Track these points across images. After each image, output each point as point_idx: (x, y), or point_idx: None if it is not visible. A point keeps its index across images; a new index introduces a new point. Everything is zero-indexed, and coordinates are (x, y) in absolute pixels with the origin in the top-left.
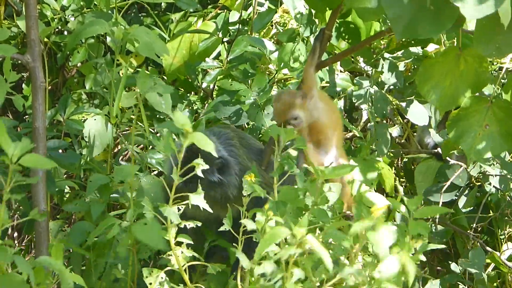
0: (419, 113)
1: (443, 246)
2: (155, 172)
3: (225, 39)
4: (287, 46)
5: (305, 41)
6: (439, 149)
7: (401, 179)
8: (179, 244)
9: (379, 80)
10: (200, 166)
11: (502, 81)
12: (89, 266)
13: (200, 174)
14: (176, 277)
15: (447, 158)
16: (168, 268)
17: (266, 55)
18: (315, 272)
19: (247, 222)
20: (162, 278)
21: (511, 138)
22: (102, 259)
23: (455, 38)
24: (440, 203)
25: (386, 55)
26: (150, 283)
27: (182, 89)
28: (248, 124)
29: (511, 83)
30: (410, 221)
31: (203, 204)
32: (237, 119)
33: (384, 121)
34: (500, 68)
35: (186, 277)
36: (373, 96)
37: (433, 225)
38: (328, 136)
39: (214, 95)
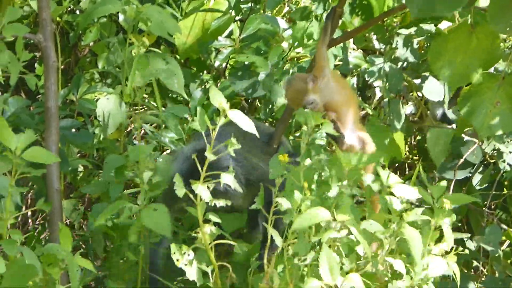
0: (434, 89)
1: (467, 234)
2: (168, 151)
3: (237, 18)
4: (300, 24)
5: (318, 18)
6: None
7: (415, 157)
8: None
9: (393, 57)
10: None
11: None
12: (113, 247)
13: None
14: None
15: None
16: (195, 245)
17: (279, 33)
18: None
19: (283, 201)
20: (189, 255)
21: None
22: (125, 241)
23: (469, 16)
24: (454, 181)
25: (400, 31)
26: (177, 260)
27: (195, 68)
28: (264, 96)
29: None
30: (436, 210)
31: (233, 184)
32: (253, 92)
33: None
34: None
35: (211, 255)
36: (387, 73)
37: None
38: (343, 113)
39: (226, 74)
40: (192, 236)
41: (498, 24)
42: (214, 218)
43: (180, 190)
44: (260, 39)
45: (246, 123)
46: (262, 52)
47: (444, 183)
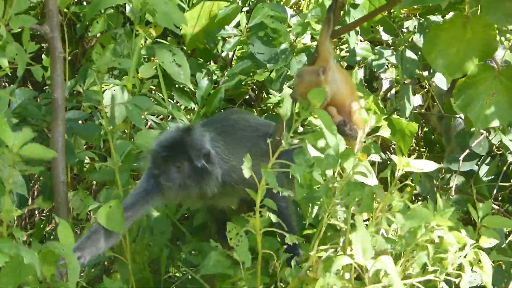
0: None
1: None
2: None
3: (244, 8)
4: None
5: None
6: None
7: (422, 149)
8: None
9: (402, 48)
10: None
11: None
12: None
13: None
14: None
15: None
16: (246, 228)
17: (287, 20)
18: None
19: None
20: (242, 235)
21: None
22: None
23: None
24: (458, 170)
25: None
26: (230, 238)
27: (201, 59)
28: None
29: None
30: (482, 230)
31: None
32: (275, 62)
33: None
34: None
35: (259, 240)
36: (402, 58)
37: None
38: (346, 105)
39: (233, 64)
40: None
41: (493, 15)
42: (270, 204)
43: (247, 171)
44: (267, 28)
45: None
46: (270, 38)
47: (488, 203)
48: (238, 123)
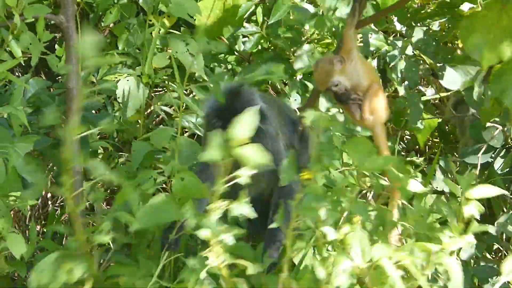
0: (452, 78)
1: (492, 227)
2: (187, 134)
3: None
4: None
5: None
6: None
7: (435, 139)
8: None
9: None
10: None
11: None
12: (138, 234)
13: None
14: None
15: None
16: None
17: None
18: None
19: (328, 231)
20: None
21: None
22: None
23: None
24: (479, 165)
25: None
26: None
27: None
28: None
29: None
30: (463, 201)
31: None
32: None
33: (417, 88)
34: None
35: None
36: (402, 68)
37: None
38: (368, 97)
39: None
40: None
41: None
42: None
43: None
44: (291, 29)
45: (261, 157)
46: (296, 40)
47: (471, 174)
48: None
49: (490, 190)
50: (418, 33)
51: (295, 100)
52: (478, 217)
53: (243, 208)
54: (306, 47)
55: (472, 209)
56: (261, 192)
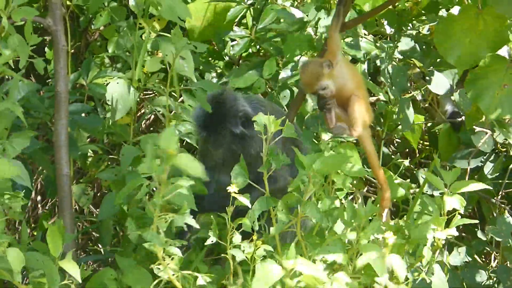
0: (439, 82)
1: (476, 221)
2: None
3: (248, 2)
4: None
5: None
6: (462, 118)
7: (425, 142)
8: None
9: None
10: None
11: None
12: (125, 237)
13: None
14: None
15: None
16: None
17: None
18: None
19: (236, 252)
20: None
21: None
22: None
23: None
24: (468, 170)
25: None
26: None
27: (206, 57)
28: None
29: None
30: (447, 195)
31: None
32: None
33: (408, 93)
34: None
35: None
36: (391, 73)
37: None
38: (353, 99)
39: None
40: None
41: (501, 5)
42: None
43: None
44: (279, 36)
45: (193, 168)
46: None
47: (456, 169)
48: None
49: (474, 185)
50: (405, 39)
51: (284, 96)
52: (462, 212)
53: (187, 219)
54: None
55: (454, 202)
56: None
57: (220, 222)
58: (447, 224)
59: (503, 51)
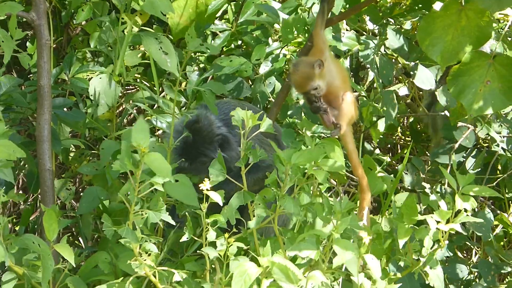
0: (425, 77)
1: (481, 220)
2: (160, 132)
3: None
4: (288, 20)
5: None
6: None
7: (407, 138)
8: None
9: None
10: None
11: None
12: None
13: None
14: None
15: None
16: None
17: (278, 22)
18: None
19: (209, 250)
20: None
21: None
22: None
23: None
24: (449, 165)
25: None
26: None
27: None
28: (251, 96)
29: None
30: (459, 195)
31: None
32: (238, 93)
33: (391, 84)
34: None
35: (156, 281)
36: (378, 63)
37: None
38: (338, 96)
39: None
40: None
41: (484, 0)
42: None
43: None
44: (259, 29)
45: (162, 168)
46: (262, 41)
47: (470, 174)
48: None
49: (485, 190)
50: (391, 33)
51: (270, 83)
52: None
53: (163, 215)
54: (275, 45)
55: (466, 204)
56: None
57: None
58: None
59: (486, 47)
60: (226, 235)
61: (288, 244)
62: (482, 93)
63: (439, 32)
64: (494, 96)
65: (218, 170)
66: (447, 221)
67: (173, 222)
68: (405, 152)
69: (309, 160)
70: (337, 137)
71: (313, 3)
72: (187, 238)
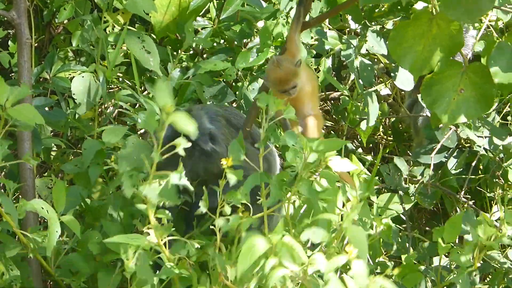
0: (405, 78)
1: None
2: (142, 131)
3: None
4: (267, 25)
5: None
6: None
7: (389, 137)
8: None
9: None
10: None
11: None
12: (85, 229)
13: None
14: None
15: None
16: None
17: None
18: None
19: (221, 221)
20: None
21: (486, 103)
22: (97, 223)
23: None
24: (432, 165)
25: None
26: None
27: (171, 48)
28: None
29: (489, 48)
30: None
31: (184, 182)
32: (222, 98)
33: (373, 86)
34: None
35: (166, 251)
36: (358, 66)
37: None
38: (305, 103)
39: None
40: None
41: (453, 11)
42: (164, 216)
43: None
44: (243, 22)
45: (188, 127)
46: (247, 33)
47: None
48: (227, 111)
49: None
50: (371, 34)
51: (253, 89)
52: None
53: (182, 180)
54: (258, 39)
55: None
56: None
57: None
58: None
59: (458, 56)
60: (240, 210)
61: (299, 228)
62: (456, 101)
63: (410, 41)
64: (467, 104)
65: (238, 151)
66: None
67: (191, 188)
68: (387, 151)
69: (330, 149)
70: None
71: (291, 8)
72: (202, 212)
